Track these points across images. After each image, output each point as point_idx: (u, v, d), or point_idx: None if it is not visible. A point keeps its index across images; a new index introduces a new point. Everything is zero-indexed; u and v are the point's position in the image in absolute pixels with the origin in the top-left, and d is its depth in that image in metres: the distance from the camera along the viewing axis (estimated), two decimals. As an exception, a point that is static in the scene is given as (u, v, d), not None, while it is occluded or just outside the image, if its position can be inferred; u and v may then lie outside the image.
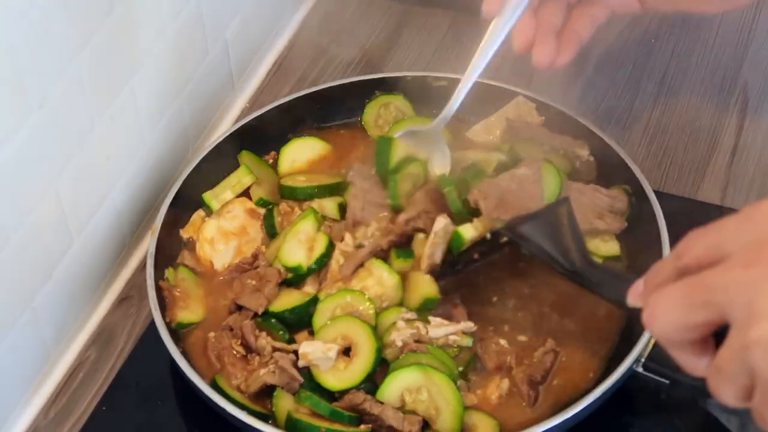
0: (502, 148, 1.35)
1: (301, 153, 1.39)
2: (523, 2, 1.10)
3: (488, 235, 1.17)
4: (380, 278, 1.20)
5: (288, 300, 1.22)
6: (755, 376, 0.67)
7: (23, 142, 1.08)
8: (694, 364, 0.73)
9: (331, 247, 1.24)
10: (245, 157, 1.36)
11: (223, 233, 1.29)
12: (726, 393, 0.70)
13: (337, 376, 1.14)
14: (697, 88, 1.52)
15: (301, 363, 1.14)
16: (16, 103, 1.06)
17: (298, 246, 1.24)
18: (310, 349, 1.14)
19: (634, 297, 0.80)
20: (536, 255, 1.07)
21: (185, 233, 1.31)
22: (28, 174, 1.11)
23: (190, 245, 1.31)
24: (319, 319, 1.18)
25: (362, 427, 1.12)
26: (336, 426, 1.10)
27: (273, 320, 1.20)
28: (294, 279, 1.23)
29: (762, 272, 0.66)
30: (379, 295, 1.19)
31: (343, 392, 1.13)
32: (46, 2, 1.06)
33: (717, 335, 0.72)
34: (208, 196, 1.32)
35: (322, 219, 1.28)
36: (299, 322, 1.20)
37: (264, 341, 1.18)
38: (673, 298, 0.71)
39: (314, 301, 1.21)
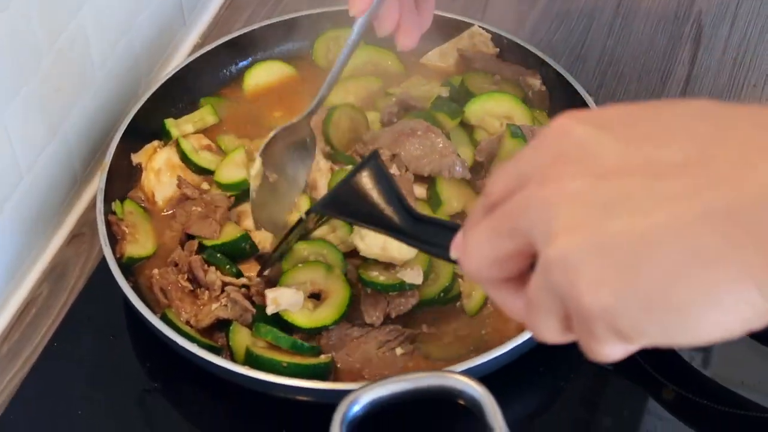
0: (453, 80, 1.35)
1: (265, 75, 1.39)
2: None
3: (303, 216, 1.12)
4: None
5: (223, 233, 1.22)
6: (564, 301, 0.62)
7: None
8: (514, 305, 0.69)
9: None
10: (209, 101, 1.37)
11: (170, 165, 1.28)
12: (544, 328, 0.66)
13: (307, 316, 1.14)
14: (651, 18, 1.51)
15: (270, 309, 1.13)
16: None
17: (236, 167, 1.25)
18: (277, 294, 1.13)
19: (455, 250, 0.74)
20: (359, 224, 1.01)
21: (136, 158, 1.29)
22: (-28, 107, 1.10)
23: (139, 177, 1.29)
24: (289, 262, 1.18)
25: (322, 357, 1.12)
26: (297, 359, 1.10)
27: (219, 255, 1.19)
28: (240, 197, 1.24)
29: (555, 189, 0.63)
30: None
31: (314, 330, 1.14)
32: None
33: None
34: (169, 122, 1.31)
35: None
36: (232, 257, 1.20)
37: (213, 276, 1.17)
38: (481, 232, 0.67)
39: (246, 237, 1.20)
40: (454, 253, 0.75)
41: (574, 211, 0.61)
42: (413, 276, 1.13)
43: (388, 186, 0.95)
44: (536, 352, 1.10)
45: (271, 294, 1.13)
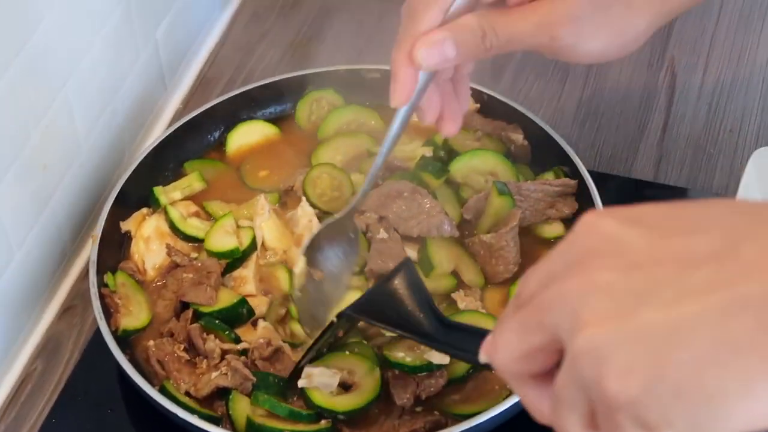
0: (435, 138, 1.36)
1: (247, 136, 1.40)
2: (426, 85, 1.08)
3: (334, 320, 1.13)
4: None
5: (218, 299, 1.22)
6: (590, 393, 0.63)
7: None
8: (540, 403, 0.69)
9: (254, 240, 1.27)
10: (194, 165, 1.38)
11: (159, 233, 1.29)
12: (569, 425, 0.65)
13: (326, 397, 1.14)
14: (626, 67, 1.54)
15: (301, 383, 1.14)
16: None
17: (225, 235, 1.26)
18: (315, 371, 1.14)
19: (485, 351, 0.73)
20: (390, 329, 1.01)
21: (125, 226, 1.30)
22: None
23: (129, 247, 1.30)
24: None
25: (322, 422, 1.13)
26: (297, 426, 1.11)
27: (217, 321, 1.20)
28: (232, 264, 1.25)
29: (582, 281, 0.64)
30: None
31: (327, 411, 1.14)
32: None
33: None
34: (158, 190, 1.32)
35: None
36: (229, 322, 1.20)
37: (213, 344, 1.18)
38: (511, 328, 0.68)
39: (243, 302, 1.21)
40: (483, 357, 0.74)
41: (602, 302, 0.62)
42: (440, 357, 1.13)
43: (420, 293, 0.96)
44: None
45: (308, 369, 1.14)
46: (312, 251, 1.22)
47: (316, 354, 1.16)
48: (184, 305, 1.23)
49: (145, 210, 1.32)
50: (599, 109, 1.49)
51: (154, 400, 1.12)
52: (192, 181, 1.35)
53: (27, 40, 1.16)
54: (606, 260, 0.64)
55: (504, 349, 0.69)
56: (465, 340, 0.86)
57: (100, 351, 1.20)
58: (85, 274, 1.33)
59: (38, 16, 1.17)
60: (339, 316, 1.11)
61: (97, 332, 1.23)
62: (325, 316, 1.20)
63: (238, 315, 1.21)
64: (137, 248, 1.28)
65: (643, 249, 0.63)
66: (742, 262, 0.60)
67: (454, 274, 1.24)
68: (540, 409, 0.69)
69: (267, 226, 1.27)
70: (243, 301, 1.21)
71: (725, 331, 0.59)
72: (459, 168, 1.32)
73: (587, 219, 0.67)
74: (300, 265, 1.22)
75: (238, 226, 1.28)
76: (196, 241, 1.28)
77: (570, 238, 0.67)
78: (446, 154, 1.34)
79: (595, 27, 1.04)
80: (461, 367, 1.16)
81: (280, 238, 1.27)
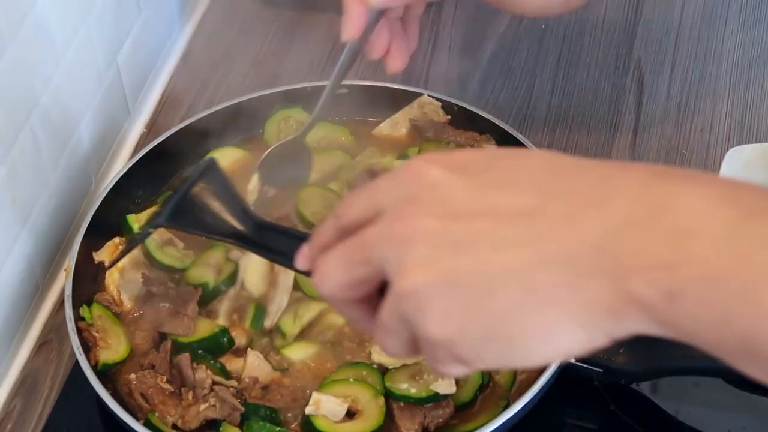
0: (409, 151, 1.35)
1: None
2: (375, 22, 1.17)
3: (150, 230, 1.12)
4: None
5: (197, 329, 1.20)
6: (411, 329, 0.71)
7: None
8: (364, 323, 0.77)
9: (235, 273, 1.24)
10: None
11: (135, 263, 1.26)
12: (392, 347, 0.74)
13: (331, 425, 1.13)
14: (592, 70, 1.53)
15: (309, 410, 1.12)
16: None
17: (206, 269, 1.24)
18: (323, 399, 1.13)
19: (302, 261, 0.80)
20: (203, 234, 0.98)
21: (98, 256, 1.27)
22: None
23: (103, 278, 1.27)
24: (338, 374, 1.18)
25: (319, 448, 1.11)
26: None
27: (200, 351, 1.18)
28: (208, 295, 1.22)
29: (407, 227, 0.70)
30: None
31: None
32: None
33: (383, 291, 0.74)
34: (131, 218, 1.30)
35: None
36: (210, 352, 1.18)
37: (204, 374, 1.15)
38: (337, 258, 0.74)
39: (224, 331, 1.19)
40: (300, 264, 0.80)
41: (425, 248, 0.69)
42: (446, 387, 1.12)
43: (228, 193, 0.93)
44: (529, 419, 1.11)
45: (317, 396, 1.13)
46: (265, 169, 1.28)
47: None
48: (163, 335, 1.20)
49: (117, 239, 1.29)
50: (569, 113, 1.48)
51: (144, 437, 1.10)
52: None
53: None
54: (430, 208, 0.70)
55: (330, 279, 0.75)
56: (282, 242, 0.86)
57: (80, 386, 1.18)
58: (59, 307, 1.30)
59: (1, 49, 1.14)
60: (150, 226, 1.09)
61: (75, 367, 1.21)
62: None
63: (219, 345, 1.19)
64: (112, 279, 1.26)
65: (464, 201, 0.70)
66: (548, 221, 0.67)
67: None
68: (365, 327, 0.77)
69: (251, 267, 1.24)
70: (224, 331, 1.19)
71: (530, 284, 0.66)
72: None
73: (416, 163, 0.72)
74: (253, 181, 1.26)
75: (228, 259, 1.26)
76: (174, 271, 1.26)
77: (397, 176, 0.73)
78: None
79: None
80: (467, 393, 1.15)
81: (260, 281, 1.23)
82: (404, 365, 1.15)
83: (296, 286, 1.22)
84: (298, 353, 1.19)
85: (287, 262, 0.83)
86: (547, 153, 0.73)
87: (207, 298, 1.23)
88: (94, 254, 1.27)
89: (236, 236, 0.91)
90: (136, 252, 1.27)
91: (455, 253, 0.68)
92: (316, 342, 1.20)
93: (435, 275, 0.68)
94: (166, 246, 1.28)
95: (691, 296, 0.63)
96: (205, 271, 1.24)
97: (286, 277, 1.21)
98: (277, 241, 0.88)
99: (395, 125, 1.41)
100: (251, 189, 1.26)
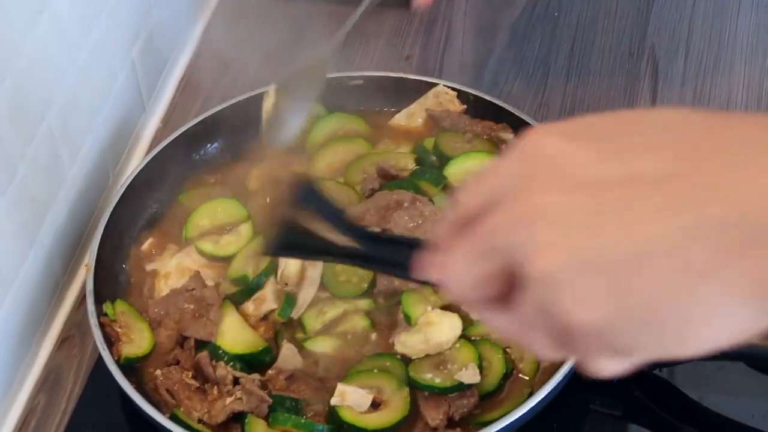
0: (425, 143, 1.35)
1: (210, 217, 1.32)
2: None
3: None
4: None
5: (240, 340, 1.19)
6: (553, 319, 0.61)
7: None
8: (504, 324, 0.66)
9: (274, 264, 1.23)
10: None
11: (180, 269, 1.27)
12: (539, 346, 0.65)
13: (356, 415, 1.13)
14: (607, 57, 1.53)
15: (334, 401, 1.12)
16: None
17: (246, 261, 1.24)
18: (348, 390, 1.13)
19: (421, 270, 0.70)
20: (314, 259, 0.98)
21: (150, 266, 1.29)
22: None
23: (128, 277, 1.28)
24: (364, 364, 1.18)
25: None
26: None
27: (221, 351, 1.18)
28: (237, 294, 1.22)
29: (530, 206, 0.61)
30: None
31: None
32: None
33: None
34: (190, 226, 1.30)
35: None
36: (250, 365, 1.18)
37: (224, 371, 1.15)
38: (461, 256, 0.65)
39: (267, 350, 1.19)
40: (419, 273, 0.71)
41: (553, 226, 0.60)
42: (470, 376, 1.13)
43: (331, 214, 0.87)
44: (553, 406, 1.11)
45: (342, 387, 1.13)
46: (282, 85, 1.28)
47: None
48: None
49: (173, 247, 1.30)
50: (584, 101, 1.48)
51: (167, 429, 1.10)
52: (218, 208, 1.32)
53: (5, 76, 1.13)
54: (551, 182, 0.61)
55: (458, 279, 0.66)
56: (395, 252, 0.78)
57: (103, 381, 1.19)
58: (79, 303, 1.31)
59: (15, 52, 1.14)
60: (266, 253, 1.03)
61: (98, 362, 1.21)
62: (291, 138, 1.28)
63: (261, 362, 1.19)
64: (158, 287, 1.26)
65: (590, 170, 0.61)
66: (693, 184, 0.58)
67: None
68: (504, 330, 0.67)
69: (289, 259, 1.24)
70: (267, 350, 1.19)
71: (683, 257, 0.57)
72: (454, 172, 1.31)
73: (531, 137, 0.64)
74: (271, 99, 1.26)
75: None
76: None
77: (512, 154, 0.64)
78: (438, 159, 1.33)
79: None
80: (492, 382, 1.15)
81: (295, 273, 1.24)
82: (427, 355, 1.16)
83: (323, 285, 1.22)
84: (319, 346, 1.20)
85: (404, 273, 0.76)
86: (672, 110, 0.63)
87: (248, 291, 1.23)
88: (146, 266, 1.29)
89: (347, 255, 0.86)
90: (183, 259, 1.28)
91: (588, 228, 0.59)
92: (338, 337, 1.20)
93: (568, 255, 0.59)
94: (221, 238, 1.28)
95: None
96: (245, 264, 1.24)
97: (314, 270, 1.21)
98: (390, 253, 0.82)
99: (411, 116, 1.41)
100: (269, 105, 1.25)
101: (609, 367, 0.62)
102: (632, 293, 0.58)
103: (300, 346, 1.19)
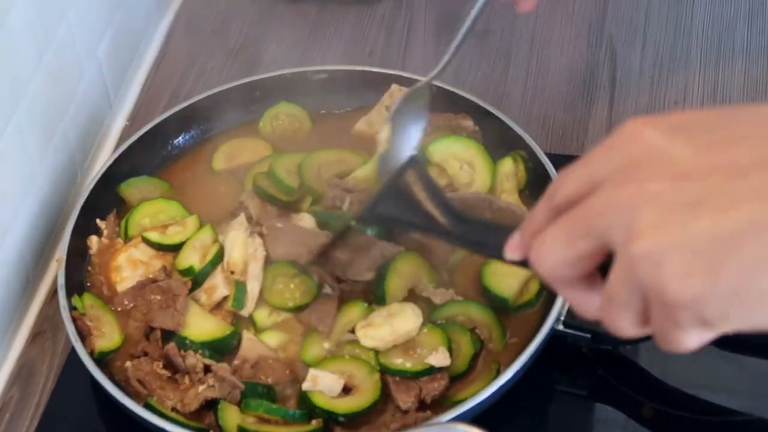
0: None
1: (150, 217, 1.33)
2: None
3: (353, 224, 1.18)
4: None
5: (206, 328, 1.21)
6: (646, 294, 0.68)
7: None
8: (587, 302, 0.74)
9: (220, 254, 1.25)
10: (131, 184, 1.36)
11: (131, 261, 1.28)
12: (623, 322, 0.71)
13: (327, 399, 1.15)
14: (566, 47, 1.56)
15: (306, 386, 1.14)
16: None
17: (193, 252, 1.26)
18: (320, 375, 1.15)
19: (512, 250, 0.78)
20: (405, 229, 1.04)
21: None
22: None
23: (95, 271, 1.29)
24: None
25: (313, 422, 1.13)
26: (291, 428, 1.12)
27: (187, 341, 1.19)
28: (192, 284, 1.24)
29: (635, 190, 0.67)
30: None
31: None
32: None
33: (603, 270, 0.72)
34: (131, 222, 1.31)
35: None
36: (218, 351, 1.20)
37: (194, 359, 1.17)
38: (556, 236, 0.72)
39: (234, 334, 1.21)
40: (510, 253, 0.78)
41: (655, 211, 0.66)
42: (440, 359, 1.15)
43: (432, 188, 0.95)
44: (519, 387, 1.14)
45: (313, 372, 1.15)
46: (394, 119, 1.26)
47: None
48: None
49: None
50: (545, 91, 1.51)
51: (142, 418, 1.11)
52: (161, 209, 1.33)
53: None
54: (654, 171, 0.67)
55: (550, 257, 0.72)
56: (487, 234, 0.86)
57: (76, 374, 1.20)
58: (51, 297, 1.32)
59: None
60: (357, 220, 1.15)
61: (70, 355, 1.22)
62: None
63: (228, 346, 1.20)
64: (113, 278, 1.27)
65: (689, 160, 0.67)
66: None
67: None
68: (587, 308, 0.74)
69: (238, 242, 1.26)
70: (234, 334, 1.21)
71: None
72: (439, 149, 1.34)
73: (630, 127, 0.70)
74: (386, 132, 1.25)
75: (214, 241, 1.28)
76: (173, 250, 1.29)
77: (611, 144, 0.70)
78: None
79: None
80: (461, 364, 1.18)
81: (240, 262, 1.25)
82: (395, 346, 1.18)
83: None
84: (272, 340, 1.21)
85: (494, 252, 0.81)
86: (761, 105, 0.70)
87: (197, 281, 1.25)
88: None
89: (441, 231, 0.92)
90: (133, 251, 1.28)
91: (689, 212, 0.65)
92: (289, 331, 1.22)
93: (670, 236, 0.65)
94: (166, 229, 1.30)
95: None
96: (192, 255, 1.26)
97: (255, 266, 1.23)
98: (482, 234, 0.87)
99: (370, 122, 1.42)
100: (384, 139, 1.26)
101: (691, 339, 0.68)
102: (729, 267, 0.64)
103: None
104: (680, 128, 0.69)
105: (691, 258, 0.65)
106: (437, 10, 1.63)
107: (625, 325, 0.71)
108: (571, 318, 1.16)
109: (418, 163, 0.99)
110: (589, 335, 1.16)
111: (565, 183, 0.72)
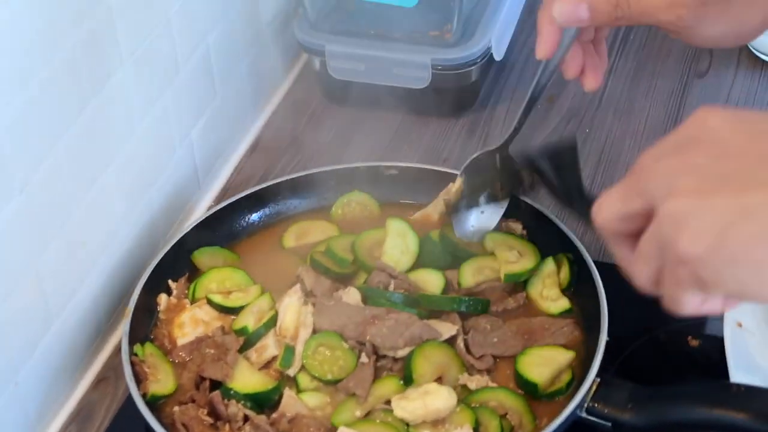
0: (432, 234, 1.45)
1: (217, 282, 1.43)
2: (570, 40, 1.24)
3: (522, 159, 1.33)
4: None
5: (251, 382, 1.29)
6: (664, 249, 0.79)
7: (5, 225, 1.18)
8: (626, 257, 0.86)
9: (274, 319, 1.35)
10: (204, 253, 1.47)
11: (193, 320, 1.38)
12: (642, 275, 0.83)
13: None
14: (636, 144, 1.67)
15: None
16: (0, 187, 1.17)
17: (250, 315, 1.36)
18: None
19: (593, 211, 0.88)
20: (551, 185, 1.22)
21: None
22: (8, 254, 1.21)
23: (160, 326, 1.39)
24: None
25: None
26: None
27: (232, 391, 1.27)
28: (244, 343, 1.33)
29: (683, 161, 0.80)
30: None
31: None
32: (25, 95, 1.17)
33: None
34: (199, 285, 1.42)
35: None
36: (260, 404, 1.28)
37: (235, 408, 1.25)
38: (616, 192, 0.85)
39: (277, 389, 1.29)
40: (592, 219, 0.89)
41: (693, 178, 0.79)
42: None
43: (575, 163, 1.20)
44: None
45: (344, 429, 1.23)
46: (467, 176, 1.41)
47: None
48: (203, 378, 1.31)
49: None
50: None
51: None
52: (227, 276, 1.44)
53: (72, 123, 1.27)
54: (704, 147, 0.80)
55: (607, 209, 0.85)
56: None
57: (130, 416, 1.28)
58: (118, 350, 1.41)
59: (82, 103, 1.29)
60: (526, 156, 1.29)
61: (128, 401, 1.31)
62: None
63: (269, 400, 1.29)
64: (175, 334, 1.38)
65: (735, 144, 0.79)
66: None
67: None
68: (626, 261, 0.86)
69: (291, 309, 1.36)
70: (277, 388, 1.29)
71: None
72: (494, 237, 1.43)
73: (699, 113, 0.83)
74: (457, 184, 1.39)
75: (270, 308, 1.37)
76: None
77: (682, 127, 0.84)
78: (443, 248, 1.44)
79: (717, 14, 1.18)
80: None
81: (292, 327, 1.34)
82: (424, 422, 1.25)
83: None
84: (312, 400, 1.29)
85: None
86: None
87: (250, 341, 1.34)
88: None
89: (567, 200, 1.17)
90: (196, 311, 1.38)
91: (719, 185, 0.77)
92: (329, 394, 1.30)
93: (697, 200, 0.77)
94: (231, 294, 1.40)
95: None
96: (248, 318, 1.36)
97: (305, 331, 1.32)
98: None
99: (427, 213, 1.51)
100: (453, 190, 1.40)
101: (690, 300, 0.81)
102: (735, 235, 0.76)
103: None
104: (739, 119, 0.82)
105: (706, 222, 0.76)
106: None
107: (643, 278, 0.84)
108: (595, 405, 1.21)
109: (576, 146, 1.21)
110: (609, 423, 1.20)
111: (644, 157, 0.84)
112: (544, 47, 1.23)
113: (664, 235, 0.79)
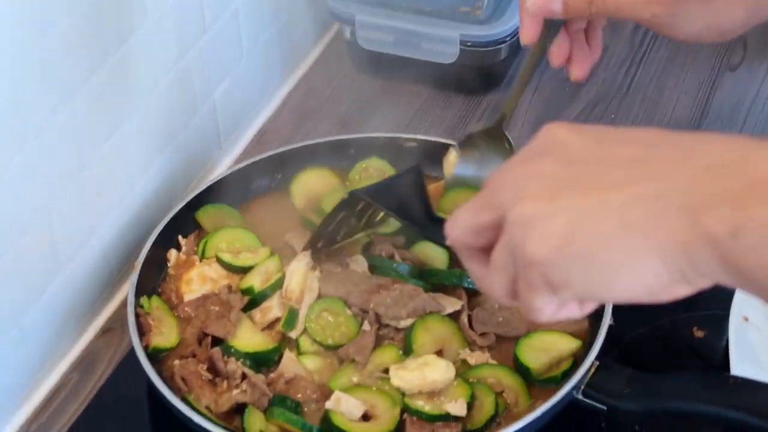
0: None
1: (227, 242, 1.44)
2: (556, 31, 1.24)
3: (344, 196, 1.32)
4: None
5: (252, 341, 1.30)
6: (515, 255, 0.79)
7: (18, 169, 1.20)
8: (479, 271, 0.85)
9: (281, 281, 1.35)
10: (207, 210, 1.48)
11: (201, 277, 1.39)
12: (497, 285, 0.83)
13: (346, 420, 1.22)
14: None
15: (329, 404, 1.22)
16: (14, 131, 1.18)
17: (257, 276, 1.36)
18: (344, 398, 1.23)
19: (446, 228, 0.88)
20: (391, 214, 1.26)
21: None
22: (21, 198, 1.22)
23: (168, 281, 1.41)
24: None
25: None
26: None
27: (233, 349, 1.29)
28: (249, 303, 1.34)
29: (531, 169, 0.81)
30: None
31: None
32: (46, 42, 1.19)
33: None
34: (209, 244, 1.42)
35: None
36: (258, 363, 1.29)
37: (234, 365, 1.26)
38: (467, 208, 0.85)
39: (277, 349, 1.30)
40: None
41: (541, 185, 0.79)
42: (457, 408, 1.22)
43: (421, 191, 1.21)
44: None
45: (338, 393, 1.23)
46: (463, 148, 1.37)
47: (328, 233, 1.36)
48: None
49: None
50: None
51: (180, 411, 1.21)
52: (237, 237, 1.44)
53: (93, 71, 1.29)
54: (551, 156, 0.81)
55: (459, 224, 0.85)
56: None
57: (132, 368, 1.29)
58: (126, 302, 1.43)
59: (104, 54, 1.31)
60: (350, 193, 1.31)
61: (131, 352, 1.32)
62: None
63: (269, 360, 1.30)
64: (182, 289, 1.39)
65: (581, 151, 0.80)
66: (649, 167, 0.77)
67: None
68: (481, 275, 0.85)
69: (297, 273, 1.36)
70: (277, 349, 1.30)
71: (624, 217, 0.75)
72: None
73: (546, 128, 0.84)
74: (452, 158, 1.37)
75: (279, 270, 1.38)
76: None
77: (531, 142, 0.84)
78: None
79: (695, 11, 1.17)
80: (479, 420, 1.23)
81: (297, 290, 1.35)
82: (421, 392, 1.25)
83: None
84: (311, 363, 1.30)
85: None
86: (664, 131, 0.82)
87: (255, 301, 1.35)
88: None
89: (415, 222, 1.21)
90: (205, 269, 1.39)
91: (566, 190, 0.78)
92: (328, 357, 1.31)
93: (544, 205, 0.78)
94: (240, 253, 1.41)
95: (753, 234, 0.70)
96: (255, 278, 1.36)
97: (310, 296, 1.33)
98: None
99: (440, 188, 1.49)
100: (452, 160, 1.38)
101: (544, 305, 0.81)
102: (579, 237, 0.76)
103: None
104: (585, 131, 0.82)
105: (552, 224, 0.77)
106: (537, 111, 1.71)
107: (498, 289, 0.83)
108: (591, 388, 1.21)
109: (419, 172, 1.25)
110: (605, 407, 1.20)
111: (494, 174, 0.84)
112: (525, 34, 1.24)
113: (514, 240, 0.79)
